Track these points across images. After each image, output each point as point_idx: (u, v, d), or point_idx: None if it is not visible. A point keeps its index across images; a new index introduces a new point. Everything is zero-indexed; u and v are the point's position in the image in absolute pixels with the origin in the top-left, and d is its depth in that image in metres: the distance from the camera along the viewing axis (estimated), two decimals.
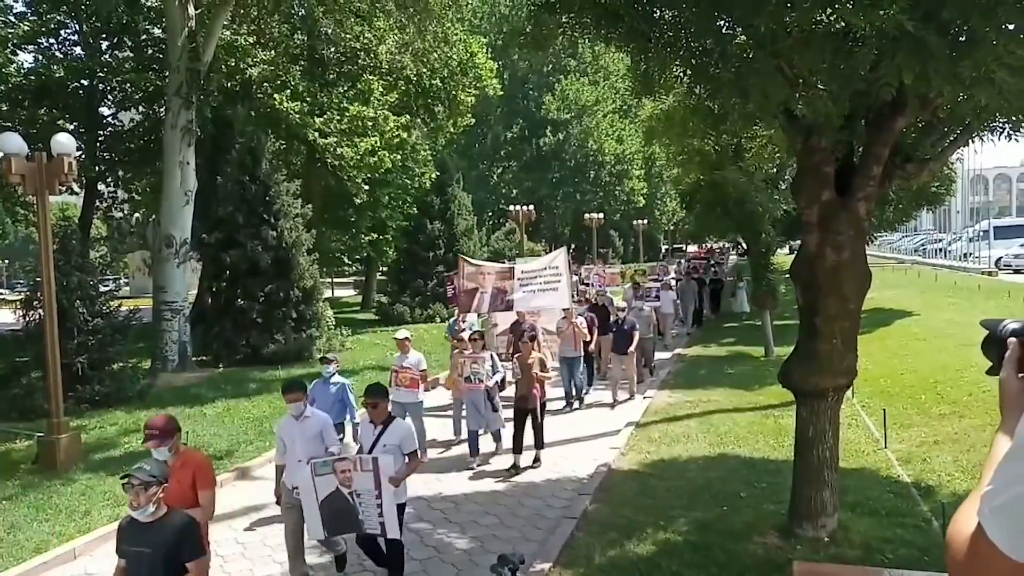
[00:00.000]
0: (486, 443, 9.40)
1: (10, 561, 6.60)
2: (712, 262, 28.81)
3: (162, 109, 19.20)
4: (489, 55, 31.86)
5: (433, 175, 26.61)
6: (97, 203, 25.29)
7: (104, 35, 22.38)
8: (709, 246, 40.76)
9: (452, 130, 30.17)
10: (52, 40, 22.03)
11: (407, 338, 9.30)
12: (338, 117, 21.36)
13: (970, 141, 6.13)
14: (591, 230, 40.34)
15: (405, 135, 23.58)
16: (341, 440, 7.05)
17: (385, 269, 31.73)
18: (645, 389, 13.02)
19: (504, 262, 16.70)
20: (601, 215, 41.37)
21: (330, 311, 19.72)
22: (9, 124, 18.49)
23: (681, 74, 5.86)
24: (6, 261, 63.88)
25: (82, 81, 21.87)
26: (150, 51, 22.23)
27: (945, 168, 11.98)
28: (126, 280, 47.00)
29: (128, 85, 21.60)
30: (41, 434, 9.69)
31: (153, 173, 22.30)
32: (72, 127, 20.96)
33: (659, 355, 15.92)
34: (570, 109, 48.57)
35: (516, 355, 9.56)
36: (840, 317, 5.77)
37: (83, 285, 12.76)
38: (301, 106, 20.27)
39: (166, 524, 3.76)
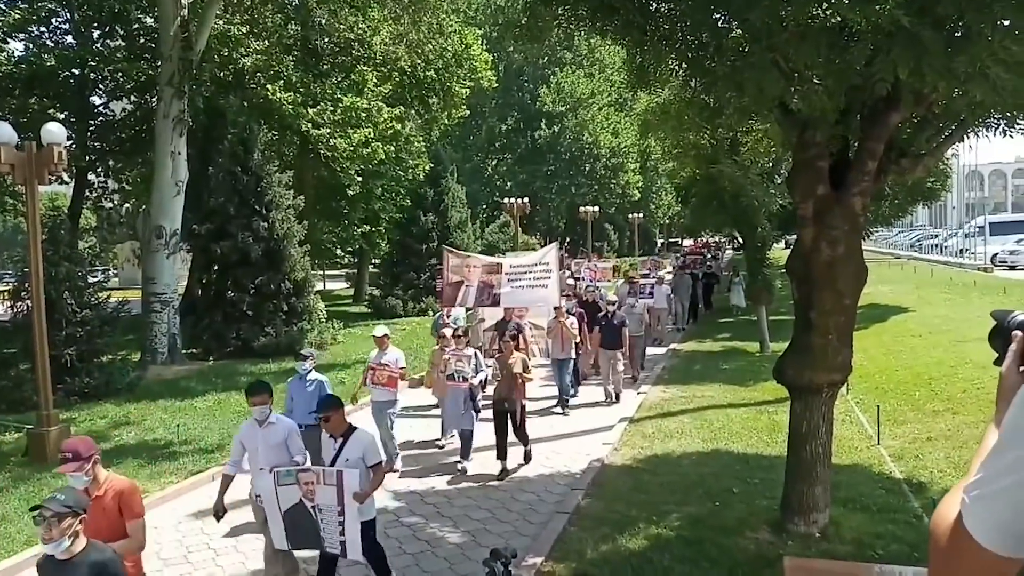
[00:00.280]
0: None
1: (1, 554, 6.59)
2: (708, 257, 28.67)
3: (154, 99, 19.07)
4: (484, 47, 31.71)
5: (427, 167, 26.46)
6: (87, 193, 25.09)
7: (96, 24, 22.14)
8: (705, 240, 40.79)
9: (446, 122, 30.03)
10: (43, 28, 21.79)
11: (386, 335, 9.02)
12: (331, 108, 21.19)
13: (965, 137, 6.14)
14: (586, 223, 40.33)
15: (399, 126, 23.42)
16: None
17: (377, 262, 31.60)
18: (639, 386, 12.94)
19: (497, 256, 16.56)
20: (596, 208, 41.33)
21: (322, 304, 19.63)
22: None
23: (677, 67, 5.85)
24: None
25: (73, 70, 21.62)
26: (142, 40, 22.03)
27: (940, 164, 11.98)
28: (115, 271, 46.77)
29: (120, 74, 21.36)
30: (31, 426, 9.66)
31: (144, 163, 22.18)
32: (63, 116, 20.69)
33: (653, 351, 15.89)
34: (565, 102, 48.44)
35: (497, 355, 9.27)
36: (835, 312, 5.76)
37: (72, 276, 12.67)
38: (294, 97, 20.10)
39: (83, 561, 3.38)
